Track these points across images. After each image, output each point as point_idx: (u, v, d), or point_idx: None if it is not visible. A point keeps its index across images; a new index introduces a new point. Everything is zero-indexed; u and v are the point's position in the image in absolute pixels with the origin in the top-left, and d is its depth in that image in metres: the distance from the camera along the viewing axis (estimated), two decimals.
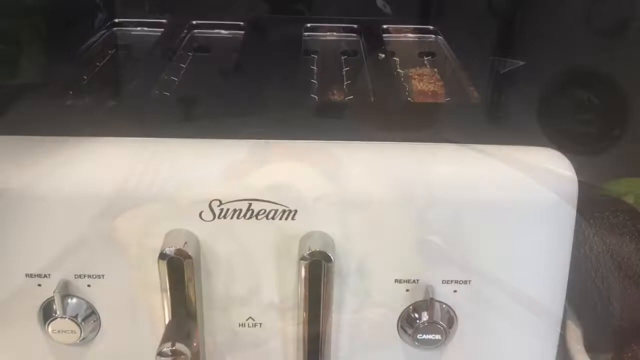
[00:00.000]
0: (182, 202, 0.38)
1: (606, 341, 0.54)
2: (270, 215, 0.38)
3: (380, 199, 0.38)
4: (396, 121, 0.43)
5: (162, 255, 0.37)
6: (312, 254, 0.37)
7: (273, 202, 0.38)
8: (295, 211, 0.38)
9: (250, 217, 0.38)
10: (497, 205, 0.38)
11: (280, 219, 0.38)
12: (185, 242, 0.38)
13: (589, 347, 0.53)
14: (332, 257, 0.37)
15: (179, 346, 0.36)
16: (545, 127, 0.44)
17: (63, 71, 0.51)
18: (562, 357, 0.58)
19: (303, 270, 0.38)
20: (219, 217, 0.38)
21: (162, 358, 0.37)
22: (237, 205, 0.38)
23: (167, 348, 0.36)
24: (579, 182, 0.52)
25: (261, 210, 0.38)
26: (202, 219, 0.38)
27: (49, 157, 0.38)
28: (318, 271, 0.38)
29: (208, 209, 0.38)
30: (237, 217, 0.38)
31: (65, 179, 0.38)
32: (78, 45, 0.57)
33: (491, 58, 0.58)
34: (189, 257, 0.37)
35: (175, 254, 0.37)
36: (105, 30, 0.61)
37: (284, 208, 0.38)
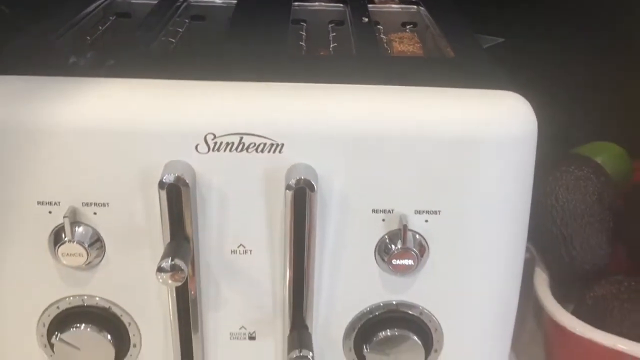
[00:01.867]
0: (180, 135, 0.42)
1: (570, 284, 0.58)
2: (260, 149, 0.42)
3: (360, 135, 0.43)
4: (375, 69, 0.47)
5: (162, 183, 0.42)
6: (297, 181, 0.41)
7: (262, 136, 0.42)
8: (282, 144, 0.42)
9: (242, 150, 0.42)
10: (461, 141, 0.42)
11: (269, 152, 0.42)
12: (183, 172, 0.42)
13: (555, 291, 0.58)
14: (315, 186, 0.42)
15: (178, 261, 0.41)
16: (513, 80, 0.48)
17: (65, 36, 0.55)
18: (532, 301, 0.62)
19: (288, 198, 0.42)
20: (213, 150, 0.42)
21: (162, 273, 0.41)
22: (230, 139, 0.42)
23: (166, 263, 0.41)
24: (553, 145, 0.57)
25: (251, 143, 0.42)
26: (198, 152, 0.42)
27: (58, 94, 0.42)
28: (302, 198, 0.42)
29: (203, 142, 0.42)
30: (230, 150, 0.42)
31: (74, 114, 0.42)
32: (79, 13, 0.61)
33: (470, 31, 0.62)
34: (186, 184, 0.42)
35: (173, 181, 0.41)
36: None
37: (272, 142, 0.42)
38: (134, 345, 0.48)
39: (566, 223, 0.57)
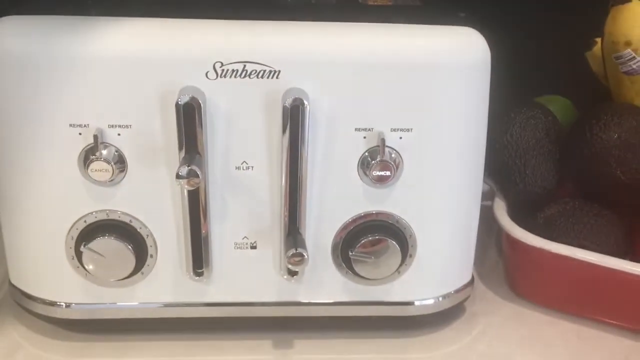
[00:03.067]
0: (192, 64, 0.50)
1: (524, 207, 0.67)
2: (260, 75, 0.50)
3: (343, 64, 0.51)
4: (352, 13, 0.56)
5: (177, 104, 0.49)
6: (292, 100, 0.49)
7: (262, 64, 0.50)
8: (279, 71, 0.50)
9: (245, 77, 0.50)
10: (426, 67, 0.51)
11: (268, 77, 0.50)
12: (195, 94, 0.49)
13: (512, 215, 0.66)
14: (306, 103, 0.50)
15: (193, 167, 0.48)
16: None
17: None
18: (493, 228, 0.71)
19: (285, 114, 0.50)
20: (220, 77, 0.50)
21: (179, 180, 0.49)
22: (235, 67, 0.50)
23: (183, 170, 0.48)
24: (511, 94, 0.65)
25: (253, 70, 0.50)
26: (208, 78, 0.50)
27: (87, 29, 0.49)
28: (296, 116, 0.50)
29: (212, 69, 0.50)
30: (234, 77, 0.50)
31: (101, 47, 0.49)
32: None
33: None
34: (199, 104, 0.49)
35: (188, 100, 0.49)
36: None
37: (271, 69, 0.50)
38: (151, 256, 0.55)
39: (520, 155, 0.66)
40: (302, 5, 0.58)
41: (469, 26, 0.54)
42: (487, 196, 0.71)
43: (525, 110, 0.68)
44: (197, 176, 0.49)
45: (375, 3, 0.67)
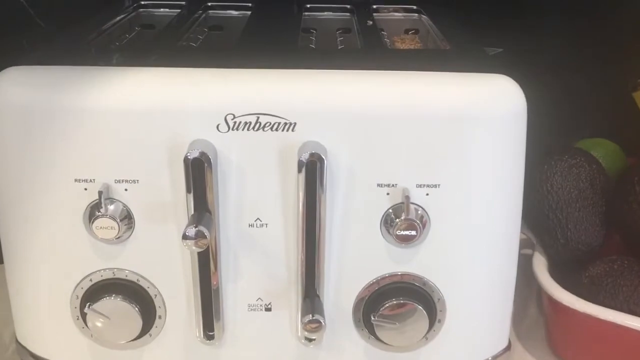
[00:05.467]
0: (202, 116, 0.47)
1: (567, 265, 0.62)
2: (274, 127, 0.47)
3: (364, 115, 0.47)
4: (377, 59, 0.52)
5: (186, 159, 0.46)
6: (308, 156, 0.46)
7: (276, 116, 0.47)
8: (295, 124, 0.47)
9: (258, 129, 0.47)
10: (456, 119, 0.47)
11: (283, 130, 0.47)
12: (205, 149, 0.46)
13: (554, 274, 0.61)
14: (324, 159, 0.46)
15: (201, 228, 0.45)
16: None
17: (96, 41, 0.60)
18: (534, 289, 0.66)
19: (301, 172, 0.46)
20: (232, 129, 0.47)
21: (186, 240, 0.45)
22: (248, 119, 0.47)
23: (190, 230, 0.45)
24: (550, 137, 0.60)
25: (267, 123, 0.47)
26: (219, 131, 0.47)
27: (94, 81, 0.47)
28: (313, 172, 0.46)
29: (224, 121, 0.47)
30: (247, 129, 0.47)
31: (108, 98, 0.47)
32: (107, 23, 0.66)
33: (469, 33, 0.66)
34: (209, 160, 0.46)
35: (197, 156, 0.46)
36: (131, 11, 0.71)
37: (286, 121, 0.47)
38: (159, 317, 0.52)
39: (561, 208, 0.61)
40: (324, 51, 0.55)
41: (502, 70, 0.50)
42: (526, 243, 0.66)
43: (567, 158, 0.62)
44: (205, 237, 0.45)
45: (403, 46, 0.63)
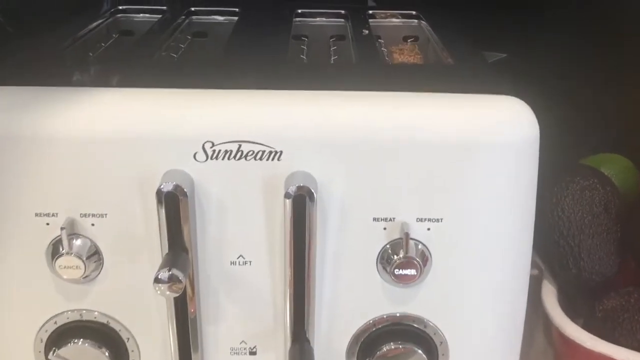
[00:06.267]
0: (177, 144, 0.42)
1: (579, 297, 0.57)
2: (258, 156, 0.42)
3: (359, 142, 0.42)
4: (374, 77, 0.47)
5: (159, 192, 0.41)
6: (296, 189, 0.41)
7: (260, 144, 0.42)
8: (281, 152, 0.42)
9: (240, 158, 0.42)
10: (462, 146, 0.42)
11: (267, 159, 0.42)
12: (181, 181, 0.41)
13: (564, 305, 0.56)
14: (314, 193, 0.41)
15: (175, 272, 0.40)
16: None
17: (68, 50, 0.55)
18: (541, 318, 0.61)
19: (287, 206, 0.41)
20: (211, 158, 0.42)
21: (159, 284, 0.40)
22: (228, 147, 0.42)
23: (163, 274, 0.40)
24: (558, 155, 0.56)
25: (250, 151, 0.42)
26: (196, 160, 0.42)
27: (55, 104, 0.42)
28: (302, 206, 0.41)
29: (202, 150, 0.42)
30: (228, 158, 0.42)
31: (71, 123, 0.42)
32: (82, 29, 0.61)
33: (471, 42, 0.61)
34: (184, 193, 0.41)
35: (171, 189, 0.41)
36: (109, 16, 0.66)
37: (271, 149, 0.42)
38: None
39: (573, 234, 0.56)
40: (314, 67, 0.50)
41: (510, 87, 0.45)
42: (534, 265, 0.61)
43: (579, 179, 0.57)
44: (180, 281, 0.40)
45: (402, 58, 0.58)
